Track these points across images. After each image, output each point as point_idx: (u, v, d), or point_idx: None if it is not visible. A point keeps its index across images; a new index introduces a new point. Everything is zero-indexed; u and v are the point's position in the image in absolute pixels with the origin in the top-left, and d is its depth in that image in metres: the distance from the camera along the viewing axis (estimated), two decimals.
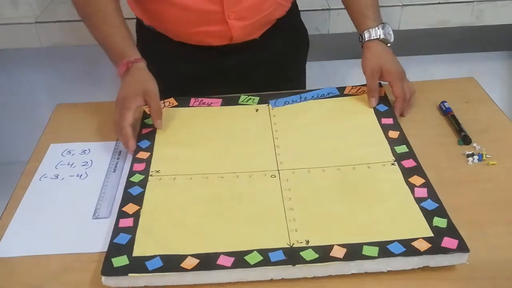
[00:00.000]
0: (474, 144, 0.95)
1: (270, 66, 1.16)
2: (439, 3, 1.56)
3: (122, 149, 0.97)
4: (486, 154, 0.93)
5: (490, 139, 0.96)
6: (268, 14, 1.09)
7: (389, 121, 1.00)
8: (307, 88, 1.10)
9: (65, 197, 0.88)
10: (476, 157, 0.92)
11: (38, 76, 1.89)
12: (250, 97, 1.08)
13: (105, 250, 0.77)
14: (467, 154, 0.93)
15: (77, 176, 0.92)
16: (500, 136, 0.98)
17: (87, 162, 0.95)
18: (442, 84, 1.13)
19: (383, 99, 1.05)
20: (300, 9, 1.57)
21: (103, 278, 0.72)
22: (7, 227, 0.82)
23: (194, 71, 1.10)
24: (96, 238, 0.80)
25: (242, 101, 1.07)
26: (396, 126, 0.98)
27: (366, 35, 1.07)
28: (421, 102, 1.07)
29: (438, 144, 0.94)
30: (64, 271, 0.75)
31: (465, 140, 0.96)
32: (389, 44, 1.07)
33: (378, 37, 1.06)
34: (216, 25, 1.06)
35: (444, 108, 1.04)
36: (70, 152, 0.98)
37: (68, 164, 0.95)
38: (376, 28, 1.06)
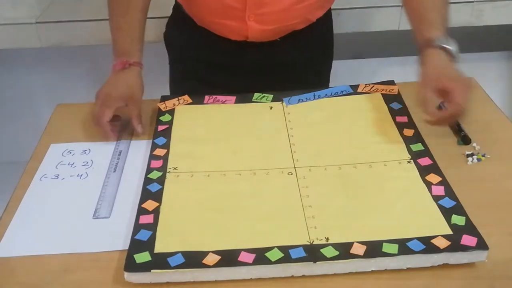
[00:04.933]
0: (474, 144, 0.96)
1: (287, 68, 1.16)
2: None
3: (122, 149, 0.98)
4: (485, 154, 0.93)
5: (490, 139, 0.96)
6: (290, 25, 1.09)
7: (404, 119, 1.00)
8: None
9: (65, 197, 0.88)
10: (475, 157, 0.92)
11: (38, 76, 1.90)
12: (263, 94, 1.08)
13: (105, 250, 0.77)
14: (467, 154, 0.93)
15: (78, 176, 0.92)
16: (499, 136, 0.98)
17: (87, 162, 0.95)
18: None
19: (397, 97, 1.06)
20: None
21: (125, 274, 0.72)
22: (7, 227, 0.82)
23: (212, 59, 1.12)
24: (96, 238, 0.80)
25: (256, 99, 1.08)
26: (411, 124, 0.98)
27: (434, 42, 0.95)
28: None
29: (438, 144, 0.94)
30: (64, 271, 0.75)
31: (465, 140, 0.96)
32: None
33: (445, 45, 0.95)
34: (235, 22, 1.07)
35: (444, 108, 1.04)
36: (71, 152, 0.98)
37: (68, 164, 0.95)
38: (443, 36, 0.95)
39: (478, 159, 0.92)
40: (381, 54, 1.88)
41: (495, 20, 1.60)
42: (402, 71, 1.89)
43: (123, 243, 0.78)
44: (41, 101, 1.92)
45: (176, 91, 1.24)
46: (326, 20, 1.20)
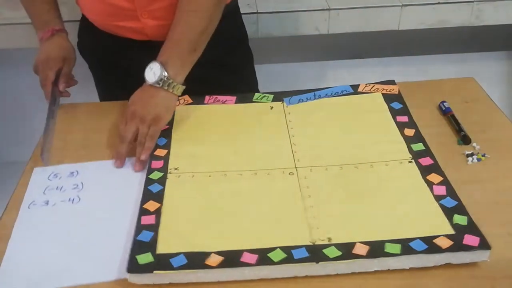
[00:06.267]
0: (474, 144, 0.96)
1: (198, 67, 1.02)
2: (438, 3, 1.56)
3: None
4: (485, 154, 0.93)
5: (490, 139, 0.96)
6: None
7: (404, 119, 1.00)
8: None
9: (59, 226, 0.82)
10: (475, 157, 0.92)
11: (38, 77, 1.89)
12: (264, 94, 1.09)
13: (106, 280, 0.74)
14: (467, 154, 0.93)
15: (69, 200, 0.86)
16: (499, 136, 0.98)
17: (77, 185, 0.89)
18: (441, 84, 1.14)
19: (397, 97, 1.06)
20: (300, 9, 1.57)
21: (128, 275, 0.72)
22: (1, 263, 0.77)
23: (122, 63, 1.13)
24: (95, 269, 0.75)
25: (256, 99, 1.08)
26: (412, 124, 0.98)
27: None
28: (420, 102, 1.07)
29: (438, 144, 0.94)
30: None
31: (465, 140, 0.96)
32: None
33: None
34: (130, 22, 1.06)
35: (444, 108, 1.04)
36: (57, 176, 0.92)
37: (57, 188, 0.89)
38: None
39: (478, 159, 0.92)
40: (381, 54, 1.88)
41: (495, 20, 1.60)
42: (402, 71, 1.90)
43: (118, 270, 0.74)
44: (41, 101, 1.92)
45: (104, 96, 1.27)
46: (232, 16, 1.17)
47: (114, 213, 0.84)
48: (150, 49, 1.02)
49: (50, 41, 1.09)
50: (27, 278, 0.74)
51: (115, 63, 1.16)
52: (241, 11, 1.24)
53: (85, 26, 1.17)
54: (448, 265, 0.74)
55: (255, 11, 1.52)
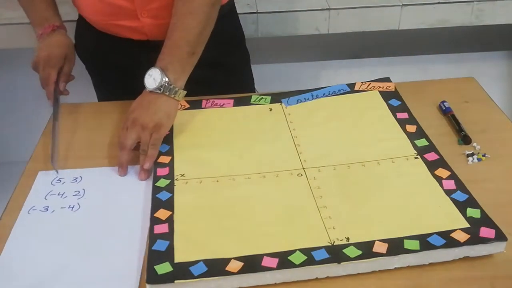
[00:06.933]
0: (474, 144, 0.96)
1: (196, 67, 1.01)
2: (438, 2, 1.56)
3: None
4: (486, 154, 0.93)
5: (490, 139, 0.97)
6: None
7: (404, 115, 1.00)
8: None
9: (56, 233, 0.81)
10: (476, 157, 0.92)
11: (38, 76, 1.89)
12: (261, 96, 1.08)
13: None
14: (467, 154, 0.93)
15: (69, 207, 0.85)
16: (500, 136, 0.98)
17: (79, 192, 0.88)
18: (442, 84, 1.13)
19: (394, 94, 1.06)
20: (300, 9, 1.57)
21: (147, 286, 0.70)
22: None
23: (121, 63, 1.12)
24: (89, 280, 0.74)
25: (254, 101, 1.07)
26: (412, 120, 0.99)
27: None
28: (421, 102, 1.07)
29: (438, 143, 0.94)
30: None
31: (465, 140, 0.96)
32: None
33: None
34: (130, 21, 1.05)
35: (444, 108, 1.04)
36: (60, 181, 0.91)
37: (58, 194, 0.88)
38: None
39: (479, 159, 0.92)
40: (381, 54, 1.88)
41: (495, 20, 1.60)
42: (402, 71, 1.90)
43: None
44: (41, 101, 1.91)
45: (103, 97, 1.26)
46: (228, 17, 1.16)
47: (113, 221, 0.83)
48: (149, 49, 1.02)
49: (51, 38, 1.08)
50: (20, 283, 0.73)
51: (113, 64, 1.15)
52: (241, 11, 1.24)
53: (82, 26, 1.17)
54: (448, 265, 0.74)
55: (255, 11, 1.52)
